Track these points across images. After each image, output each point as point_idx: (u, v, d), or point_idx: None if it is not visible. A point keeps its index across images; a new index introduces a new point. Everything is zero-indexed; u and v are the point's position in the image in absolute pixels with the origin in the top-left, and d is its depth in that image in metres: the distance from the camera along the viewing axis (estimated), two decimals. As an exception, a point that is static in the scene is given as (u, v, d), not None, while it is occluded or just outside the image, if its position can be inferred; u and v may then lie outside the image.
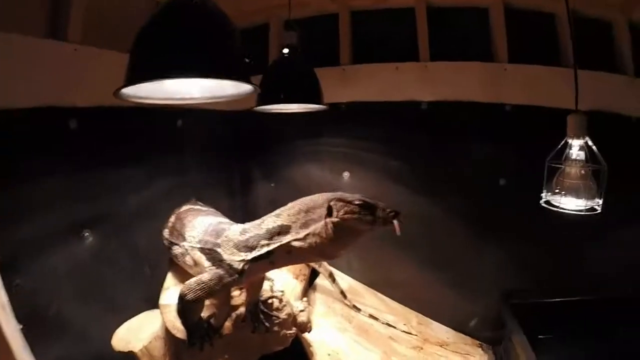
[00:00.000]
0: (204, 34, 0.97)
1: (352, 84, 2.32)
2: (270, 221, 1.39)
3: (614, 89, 2.20)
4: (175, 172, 2.13)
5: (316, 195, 1.37)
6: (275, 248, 1.35)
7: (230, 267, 1.38)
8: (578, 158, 1.45)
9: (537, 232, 2.13)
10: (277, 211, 1.40)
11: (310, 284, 2.26)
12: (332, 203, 1.29)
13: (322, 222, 1.29)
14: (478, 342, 2.30)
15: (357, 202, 1.26)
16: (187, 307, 1.38)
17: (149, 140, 1.96)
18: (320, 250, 1.30)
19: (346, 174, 2.39)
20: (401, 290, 2.38)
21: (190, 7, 0.97)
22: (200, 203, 1.80)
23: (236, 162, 2.59)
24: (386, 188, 2.33)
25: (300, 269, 2.10)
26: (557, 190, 1.46)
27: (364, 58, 2.36)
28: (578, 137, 1.45)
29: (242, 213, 2.52)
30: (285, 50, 1.70)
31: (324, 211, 1.30)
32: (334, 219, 1.27)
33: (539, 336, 2.10)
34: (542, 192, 1.52)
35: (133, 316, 1.70)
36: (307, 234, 1.31)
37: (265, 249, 1.36)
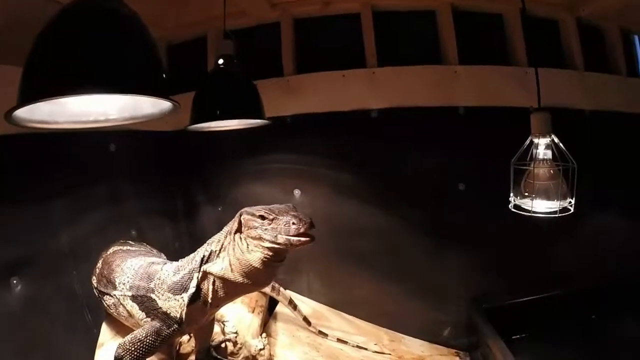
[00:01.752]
0: (110, 42, 0.79)
1: (298, 95, 2.14)
2: (202, 250, 1.18)
3: (565, 84, 2.17)
4: (111, 202, 1.89)
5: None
6: (199, 281, 1.15)
7: (167, 317, 1.15)
8: (545, 157, 1.30)
9: (499, 233, 2.02)
10: (213, 237, 1.20)
11: (270, 313, 2.04)
12: (241, 217, 1.13)
13: (230, 239, 1.13)
14: (454, 350, 2.15)
15: (258, 214, 1.09)
16: None
17: (78, 168, 1.71)
18: (242, 273, 1.10)
19: (297, 192, 2.19)
20: (367, 307, 2.19)
21: (94, 10, 0.79)
22: (130, 242, 1.56)
23: (178, 186, 2.34)
24: (339, 202, 2.15)
25: (257, 299, 1.89)
26: (526, 193, 1.30)
27: (309, 67, 2.18)
28: (544, 136, 1.31)
29: (188, 240, 2.29)
30: (220, 61, 1.49)
31: (234, 227, 1.13)
32: (241, 234, 1.11)
33: (513, 337, 2.05)
34: (509, 197, 1.36)
35: (77, 369, 1.45)
36: (223, 256, 1.13)
37: (193, 285, 1.15)
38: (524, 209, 1.32)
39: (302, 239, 1.04)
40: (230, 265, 1.10)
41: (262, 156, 2.21)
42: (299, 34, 2.24)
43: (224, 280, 1.12)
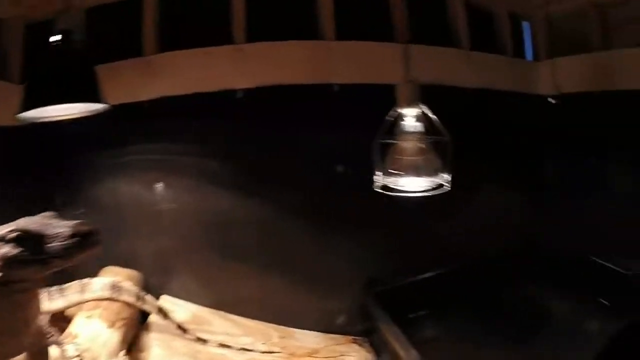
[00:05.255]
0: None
1: (159, 77, 1.81)
2: None
3: (450, 62, 2.11)
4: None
5: None
6: None
7: None
8: (415, 130, 1.11)
9: (384, 214, 1.88)
10: None
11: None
12: None
13: None
14: (352, 337, 2.00)
15: (11, 236, 0.81)
16: None
17: None
18: None
19: (159, 186, 1.88)
20: (254, 304, 1.97)
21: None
22: None
23: (30, 189, 1.90)
24: (210, 193, 1.89)
25: (118, 312, 1.60)
26: (393, 171, 1.11)
27: (173, 45, 1.86)
28: (411, 106, 1.12)
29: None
30: (54, 38, 1.19)
31: None
32: None
33: (411, 315, 2.00)
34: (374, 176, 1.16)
35: None
36: None
37: None
38: (392, 188, 1.12)
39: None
40: None
41: (122, 148, 1.87)
42: (162, 9, 1.90)
43: None
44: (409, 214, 1.84)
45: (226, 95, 1.82)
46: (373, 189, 1.16)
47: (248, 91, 1.82)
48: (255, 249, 1.92)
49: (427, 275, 2.06)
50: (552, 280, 2.16)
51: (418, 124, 1.12)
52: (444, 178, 1.12)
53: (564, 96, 2.23)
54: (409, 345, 1.58)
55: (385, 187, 1.14)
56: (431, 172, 1.10)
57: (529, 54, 2.48)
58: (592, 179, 2.17)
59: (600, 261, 2.04)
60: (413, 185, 1.11)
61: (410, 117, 1.12)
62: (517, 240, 2.31)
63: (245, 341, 1.82)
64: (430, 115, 1.14)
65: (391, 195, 1.14)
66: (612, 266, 2.00)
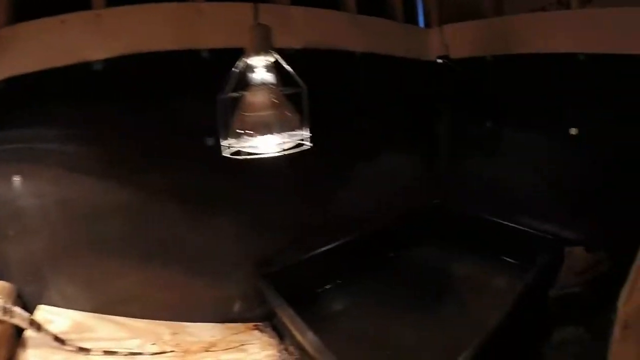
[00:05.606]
0: None
1: (9, 53, 1.52)
2: None
3: (334, 26, 2.02)
4: None
5: None
6: None
7: None
8: (265, 82, 0.97)
9: (267, 187, 1.80)
10: None
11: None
12: None
13: None
14: (253, 324, 1.88)
15: None
16: None
17: None
18: None
19: (16, 179, 1.59)
20: (140, 302, 1.75)
21: None
22: None
23: None
24: (75, 182, 1.61)
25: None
26: (240, 131, 0.96)
27: (26, 16, 1.55)
28: (262, 53, 0.97)
29: None
30: None
31: None
32: None
33: (312, 292, 1.98)
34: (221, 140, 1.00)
35: None
36: None
37: None
38: (244, 152, 0.98)
39: None
40: None
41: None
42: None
43: None
44: (299, 183, 1.78)
45: (81, 68, 1.57)
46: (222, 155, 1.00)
47: (108, 62, 1.58)
48: (131, 240, 1.70)
49: (327, 247, 1.98)
50: (455, 242, 2.19)
51: (269, 74, 0.98)
52: (303, 135, 0.99)
53: (458, 61, 2.23)
54: (306, 327, 1.49)
55: (237, 153, 0.99)
56: (286, 129, 0.97)
57: (421, 20, 2.47)
58: (489, 141, 2.19)
59: (499, 220, 2.07)
60: (266, 145, 0.97)
61: (260, 67, 0.98)
62: (417, 204, 2.29)
63: (134, 344, 1.64)
64: (285, 65, 1.00)
65: (242, 160, 0.99)
66: (512, 224, 2.03)
